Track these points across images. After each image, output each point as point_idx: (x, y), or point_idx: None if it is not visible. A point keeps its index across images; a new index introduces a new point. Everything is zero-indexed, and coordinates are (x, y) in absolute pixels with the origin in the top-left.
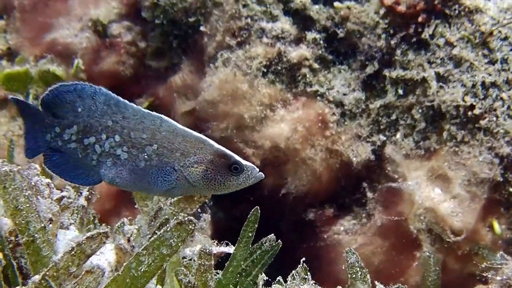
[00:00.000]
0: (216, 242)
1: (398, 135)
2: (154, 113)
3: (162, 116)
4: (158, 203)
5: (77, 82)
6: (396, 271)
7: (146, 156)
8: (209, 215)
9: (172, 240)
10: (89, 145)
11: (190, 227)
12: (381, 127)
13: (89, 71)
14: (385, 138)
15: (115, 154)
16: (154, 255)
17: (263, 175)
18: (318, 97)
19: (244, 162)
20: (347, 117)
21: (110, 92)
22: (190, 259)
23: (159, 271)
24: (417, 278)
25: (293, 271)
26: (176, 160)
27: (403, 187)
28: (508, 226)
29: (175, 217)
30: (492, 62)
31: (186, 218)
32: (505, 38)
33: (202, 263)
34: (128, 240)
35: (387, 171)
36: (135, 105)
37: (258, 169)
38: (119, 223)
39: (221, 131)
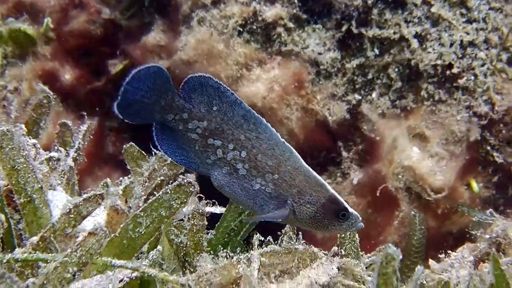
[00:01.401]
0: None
1: (374, 94)
2: (287, 144)
3: (293, 149)
4: (153, 164)
5: (225, 86)
6: (375, 230)
7: (264, 182)
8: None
9: (171, 202)
10: (211, 146)
11: (189, 189)
12: (357, 86)
13: (59, 30)
14: (360, 97)
15: (235, 166)
16: (152, 216)
17: (363, 226)
18: (293, 56)
19: (351, 210)
20: (322, 76)
21: (252, 109)
22: (181, 220)
23: (157, 233)
24: (395, 237)
25: (283, 230)
26: (291, 196)
27: (380, 145)
28: (485, 184)
29: (175, 179)
30: (470, 21)
31: (186, 180)
32: None
33: (195, 223)
34: (126, 201)
35: (362, 130)
36: (273, 130)
37: (361, 218)
38: (102, 183)
39: None
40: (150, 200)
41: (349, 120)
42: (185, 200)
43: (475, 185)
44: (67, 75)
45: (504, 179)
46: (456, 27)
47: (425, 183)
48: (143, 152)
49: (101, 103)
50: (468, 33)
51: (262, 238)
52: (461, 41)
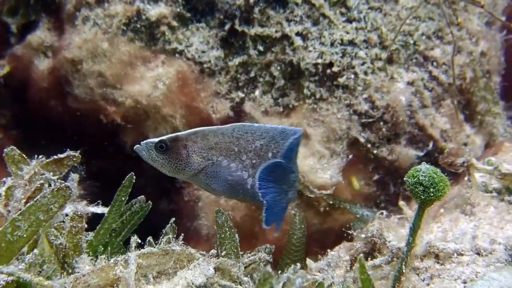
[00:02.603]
0: (86, 202)
1: (257, 92)
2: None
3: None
4: (34, 167)
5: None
6: (258, 228)
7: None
8: (78, 175)
9: (49, 206)
10: None
11: (67, 192)
12: (240, 84)
13: None
14: (243, 95)
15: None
16: (30, 220)
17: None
18: (177, 55)
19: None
20: (206, 74)
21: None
22: (62, 221)
23: (35, 236)
24: (280, 234)
25: (163, 230)
26: None
27: None
28: (367, 182)
29: (52, 183)
30: (350, 21)
31: (63, 184)
32: None
33: (74, 225)
34: (6, 205)
35: None
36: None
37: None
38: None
39: (85, 89)
40: (28, 204)
41: (233, 118)
42: (63, 203)
43: (355, 182)
44: None
45: (385, 177)
46: (336, 26)
47: (307, 181)
48: (24, 156)
49: None
50: (348, 32)
51: (140, 240)
52: (341, 40)
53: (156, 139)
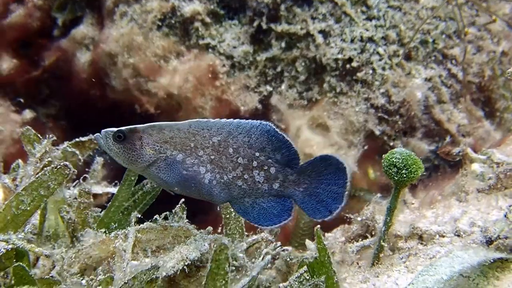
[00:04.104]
0: (105, 183)
1: (283, 86)
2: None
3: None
4: (44, 146)
5: None
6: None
7: None
8: (102, 158)
9: (49, 183)
10: None
11: (66, 171)
12: (268, 78)
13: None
14: (271, 89)
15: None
16: (32, 195)
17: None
18: (209, 49)
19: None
20: (236, 69)
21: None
22: (75, 198)
23: (38, 210)
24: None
25: (173, 210)
26: None
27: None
28: (381, 172)
29: (53, 160)
30: (369, 19)
31: (62, 163)
32: None
33: (82, 201)
34: (13, 179)
35: (272, 120)
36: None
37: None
38: (14, 164)
39: (120, 81)
40: (30, 180)
41: (260, 110)
42: (62, 181)
43: (371, 172)
44: (4, 64)
45: None
46: (357, 24)
47: None
48: (39, 136)
49: (38, 91)
50: (367, 30)
51: (139, 215)
52: (361, 36)
53: (115, 129)
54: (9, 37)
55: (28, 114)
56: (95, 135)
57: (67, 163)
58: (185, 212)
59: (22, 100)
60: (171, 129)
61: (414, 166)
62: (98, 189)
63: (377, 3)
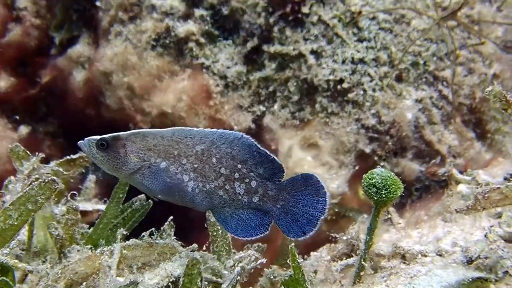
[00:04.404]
0: (96, 200)
1: (276, 106)
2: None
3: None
4: (32, 164)
5: None
6: (275, 233)
7: None
8: (95, 176)
9: (37, 197)
10: None
11: (53, 186)
12: (261, 98)
13: None
14: (264, 109)
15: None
16: (20, 210)
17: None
18: (204, 69)
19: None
20: (230, 89)
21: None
22: (63, 215)
23: (26, 225)
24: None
25: (162, 227)
26: None
27: (278, 154)
28: None
29: (40, 177)
30: (360, 40)
31: (49, 178)
32: (373, 18)
33: (69, 217)
34: (0, 196)
35: (264, 139)
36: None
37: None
38: (7, 181)
39: (115, 99)
40: (18, 195)
41: (254, 130)
42: (49, 196)
43: (362, 193)
44: (2, 82)
45: None
46: (348, 45)
47: None
48: (28, 152)
49: (36, 109)
50: (358, 51)
51: (126, 232)
52: (352, 58)
53: (98, 137)
54: (7, 56)
55: (23, 129)
56: (78, 142)
57: (54, 177)
58: (173, 230)
59: (18, 118)
60: (154, 137)
61: (393, 186)
62: (89, 206)
63: (368, 25)
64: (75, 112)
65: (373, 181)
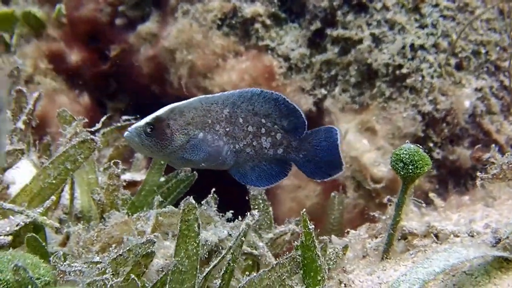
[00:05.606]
0: (145, 170)
1: (337, 90)
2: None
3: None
4: (74, 128)
5: None
6: (324, 214)
7: None
8: None
9: (76, 156)
10: None
11: (92, 145)
12: (323, 82)
13: (70, 16)
14: (326, 92)
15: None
16: (59, 169)
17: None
18: (268, 51)
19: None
20: (293, 71)
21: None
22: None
23: (64, 184)
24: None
25: (205, 199)
26: None
27: None
28: (429, 179)
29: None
30: (422, 26)
31: (89, 137)
32: (436, 5)
33: (111, 183)
34: (39, 156)
35: (324, 122)
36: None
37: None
38: (45, 142)
39: (178, 77)
40: (57, 154)
41: (314, 113)
42: (88, 155)
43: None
44: (74, 56)
45: (445, 175)
46: (409, 31)
47: (367, 173)
48: (74, 117)
49: (106, 85)
50: (419, 37)
51: (162, 199)
52: (412, 44)
53: (143, 122)
54: (79, 30)
55: (88, 102)
56: (125, 135)
57: (93, 137)
58: (216, 202)
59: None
60: (189, 110)
61: (420, 162)
62: (137, 176)
63: (430, 12)
64: (142, 89)
65: (400, 156)
